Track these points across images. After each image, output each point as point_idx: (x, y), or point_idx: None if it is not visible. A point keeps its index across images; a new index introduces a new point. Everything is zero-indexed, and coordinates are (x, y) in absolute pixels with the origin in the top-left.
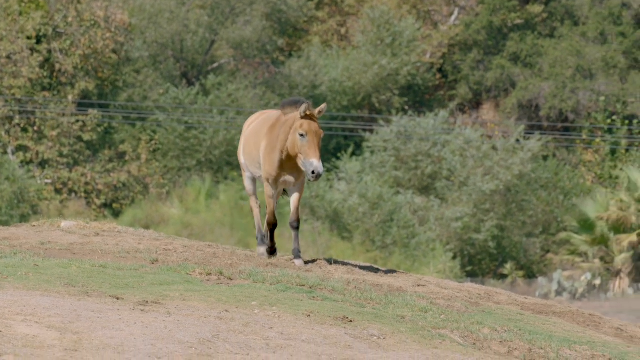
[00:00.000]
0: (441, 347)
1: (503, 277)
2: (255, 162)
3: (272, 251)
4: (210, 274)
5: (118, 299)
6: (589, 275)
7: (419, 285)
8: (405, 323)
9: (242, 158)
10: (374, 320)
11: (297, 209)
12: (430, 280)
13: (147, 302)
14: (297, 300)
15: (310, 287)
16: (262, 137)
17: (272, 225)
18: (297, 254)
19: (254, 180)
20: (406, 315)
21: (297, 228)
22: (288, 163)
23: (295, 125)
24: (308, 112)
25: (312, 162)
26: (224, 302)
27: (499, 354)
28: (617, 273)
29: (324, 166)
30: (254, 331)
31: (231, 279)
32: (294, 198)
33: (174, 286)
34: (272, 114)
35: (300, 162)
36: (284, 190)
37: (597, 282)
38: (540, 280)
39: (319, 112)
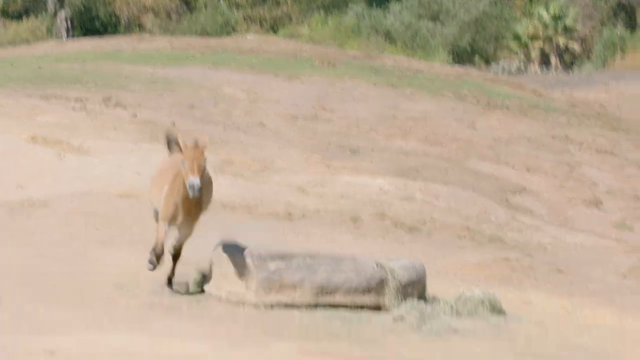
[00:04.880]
0: (442, 99)
1: (474, 64)
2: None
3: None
4: (323, 62)
5: (276, 75)
6: (518, 62)
7: (432, 67)
8: (425, 85)
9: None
10: (406, 85)
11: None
12: (438, 65)
13: (291, 77)
14: (368, 75)
15: (375, 70)
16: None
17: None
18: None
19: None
20: (424, 83)
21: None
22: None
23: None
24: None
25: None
26: (331, 77)
27: (472, 103)
28: (532, 61)
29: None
30: (345, 92)
31: (335, 65)
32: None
33: (305, 69)
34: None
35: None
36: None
37: (522, 66)
38: (493, 65)
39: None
